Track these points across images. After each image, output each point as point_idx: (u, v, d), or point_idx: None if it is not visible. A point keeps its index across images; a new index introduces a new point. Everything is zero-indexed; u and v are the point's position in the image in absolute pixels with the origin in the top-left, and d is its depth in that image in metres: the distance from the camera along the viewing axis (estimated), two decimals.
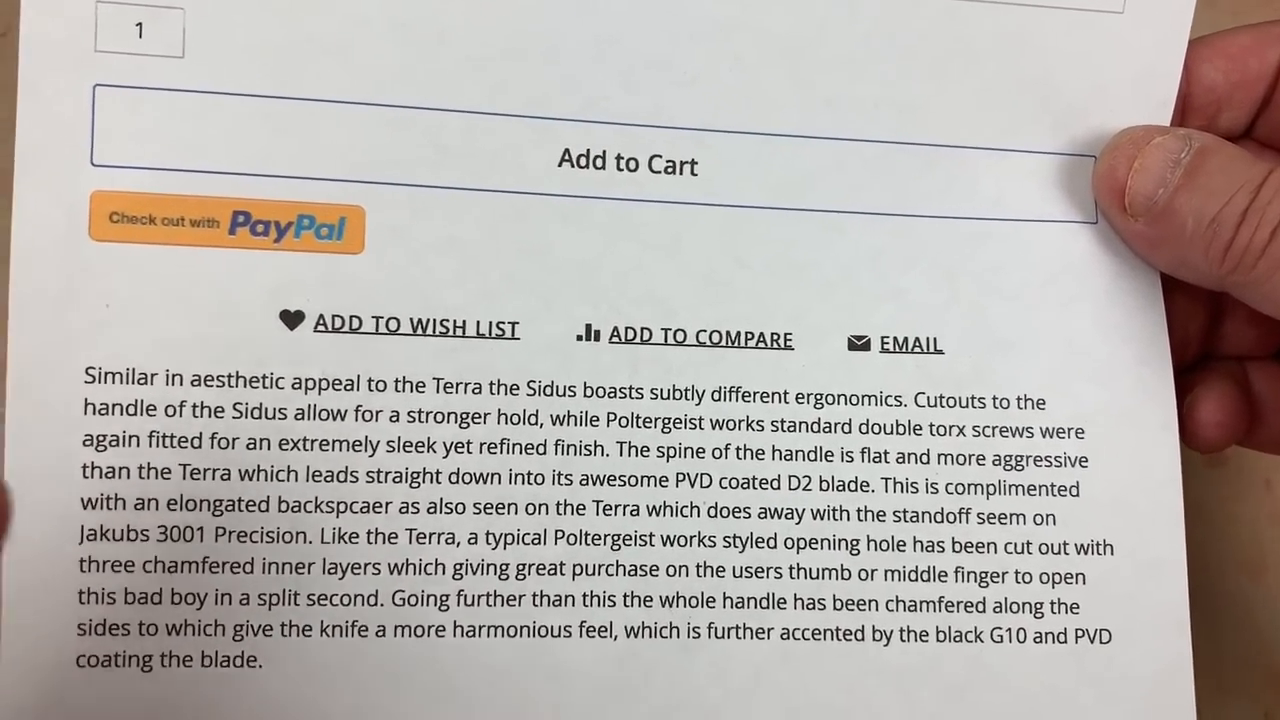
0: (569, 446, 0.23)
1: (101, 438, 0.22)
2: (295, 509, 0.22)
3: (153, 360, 0.22)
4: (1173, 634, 0.24)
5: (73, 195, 0.22)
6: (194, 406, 0.22)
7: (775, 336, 0.24)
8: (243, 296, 0.22)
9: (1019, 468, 0.24)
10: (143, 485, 0.22)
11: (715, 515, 0.23)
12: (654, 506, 0.23)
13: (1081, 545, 0.24)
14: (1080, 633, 0.24)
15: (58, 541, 0.22)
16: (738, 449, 0.24)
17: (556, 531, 0.23)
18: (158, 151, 0.22)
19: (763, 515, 0.23)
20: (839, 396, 0.24)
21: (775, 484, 0.24)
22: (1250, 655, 0.32)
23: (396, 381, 0.23)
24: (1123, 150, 0.24)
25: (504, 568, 0.23)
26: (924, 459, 0.24)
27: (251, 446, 0.22)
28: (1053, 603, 0.24)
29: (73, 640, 0.22)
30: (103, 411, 0.22)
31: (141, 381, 0.22)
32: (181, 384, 0.22)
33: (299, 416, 0.22)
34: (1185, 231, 0.23)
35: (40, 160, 0.22)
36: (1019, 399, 0.24)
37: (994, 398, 0.24)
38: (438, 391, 0.23)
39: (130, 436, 0.22)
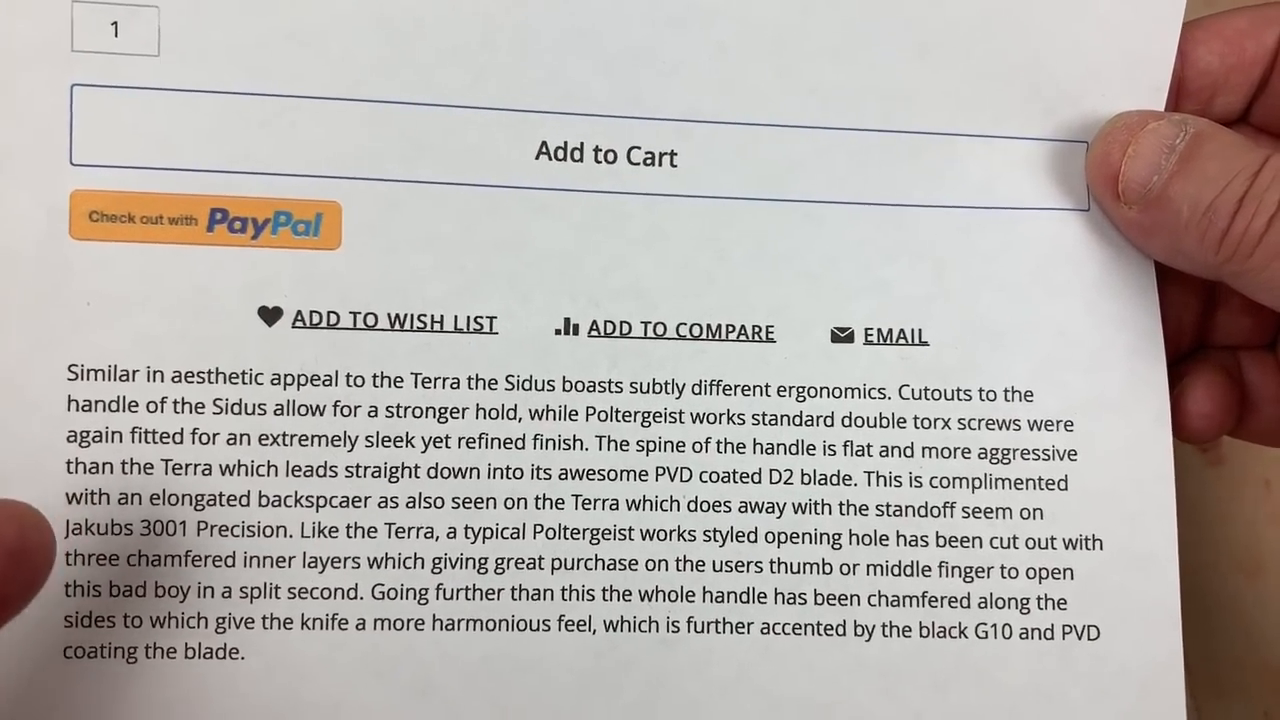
0: (548, 441, 0.23)
1: (85, 434, 0.22)
2: (275, 503, 0.22)
3: (134, 357, 0.22)
4: (1164, 630, 0.23)
5: (52, 195, 0.22)
6: (175, 402, 0.22)
7: (757, 329, 0.24)
8: (221, 293, 0.23)
9: (1005, 461, 0.24)
10: (125, 480, 0.22)
11: (695, 509, 0.23)
12: (633, 501, 0.23)
13: (1070, 540, 0.24)
14: (1068, 629, 0.23)
15: None
16: (718, 443, 0.23)
17: (535, 526, 0.23)
18: (135, 150, 0.22)
19: (743, 509, 0.23)
20: (821, 389, 0.24)
21: (756, 478, 0.23)
22: (1249, 655, 0.31)
23: (374, 377, 0.23)
24: (1116, 136, 0.23)
25: (483, 562, 0.23)
26: (908, 452, 0.24)
27: (232, 442, 0.22)
28: (1040, 598, 0.23)
29: (60, 632, 0.22)
30: (85, 408, 0.22)
31: (123, 378, 0.22)
32: (162, 380, 0.22)
33: (278, 412, 0.23)
34: (1180, 219, 0.22)
35: (19, 160, 0.22)
36: (1006, 391, 0.24)
37: (980, 390, 0.24)
38: (415, 386, 0.23)
39: (113, 432, 0.22)
